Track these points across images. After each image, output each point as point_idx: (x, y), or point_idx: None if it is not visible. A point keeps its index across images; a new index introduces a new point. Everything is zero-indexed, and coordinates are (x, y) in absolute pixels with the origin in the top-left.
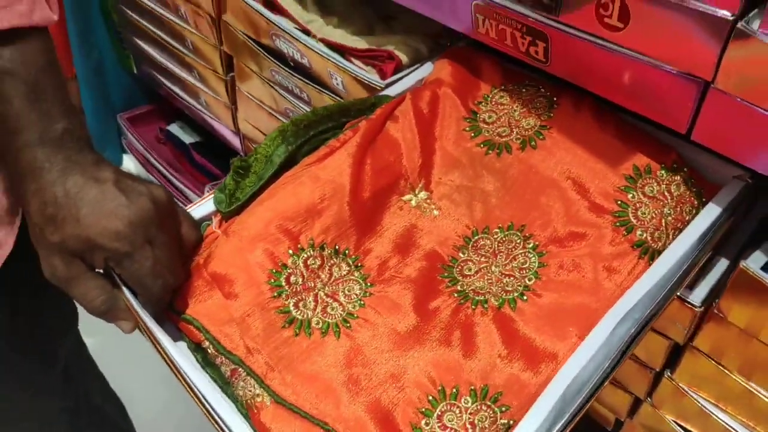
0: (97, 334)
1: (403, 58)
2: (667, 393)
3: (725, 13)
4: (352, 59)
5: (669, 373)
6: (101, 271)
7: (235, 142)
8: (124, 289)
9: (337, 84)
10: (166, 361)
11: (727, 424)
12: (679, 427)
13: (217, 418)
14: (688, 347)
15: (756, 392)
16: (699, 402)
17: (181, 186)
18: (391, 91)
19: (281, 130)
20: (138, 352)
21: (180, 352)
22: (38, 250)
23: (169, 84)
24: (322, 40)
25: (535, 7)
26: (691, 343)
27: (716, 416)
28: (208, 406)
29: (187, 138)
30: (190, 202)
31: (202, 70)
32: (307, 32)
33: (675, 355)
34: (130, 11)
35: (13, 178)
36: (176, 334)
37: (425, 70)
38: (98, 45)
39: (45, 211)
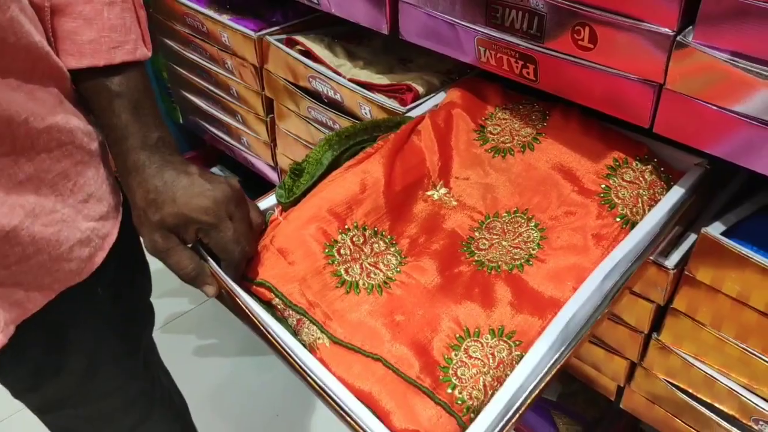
0: None
1: (420, 89)
2: (655, 353)
3: (667, 30)
4: (377, 93)
5: (656, 335)
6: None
7: (273, 176)
8: (210, 260)
9: (366, 113)
10: (247, 315)
11: (706, 373)
12: (669, 384)
13: (291, 354)
14: (669, 309)
15: (726, 341)
16: (682, 356)
17: None
18: (412, 114)
19: (327, 139)
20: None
21: (258, 305)
22: (141, 230)
23: (213, 129)
24: (351, 80)
25: (525, 37)
26: (670, 305)
27: (698, 368)
28: (284, 346)
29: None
30: None
31: (245, 114)
32: (338, 74)
33: (660, 318)
34: (180, 68)
35: (122, 174)
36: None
37: (439, 97)
38: None
39: (147, 197)
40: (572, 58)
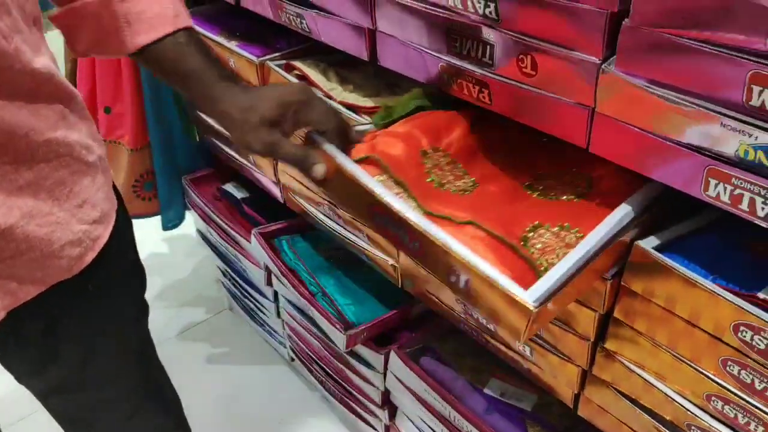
0: None
1: None
2: (601, 361)
3: (594, 59)
4: (363, 114)
5: (601, 343)
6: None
7: (276, 191)
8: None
9: None
10: (354, 188)
11: (645, 379)
12: (615, 390)
13: (395, 208)
14: (611, 318)
15: (660, 347)
16: (624, 363)
17: (233, 233)
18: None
19: (414, 92)
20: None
21: (367, 174)
22: (246, 137)
23: (225, 148)
24: (341, 102)
25: (480, 64)
26: (612, 314)
27: (638, 374)
28: (395, 209)
29: (240, 194)
30: (241, 248)
31: None
32: (330, 97)
33: (606, 327)
34: None
35: (209, 106)
36: None
37: None
38: (168, 119)
39: (242, 107)
40: (518, 84)
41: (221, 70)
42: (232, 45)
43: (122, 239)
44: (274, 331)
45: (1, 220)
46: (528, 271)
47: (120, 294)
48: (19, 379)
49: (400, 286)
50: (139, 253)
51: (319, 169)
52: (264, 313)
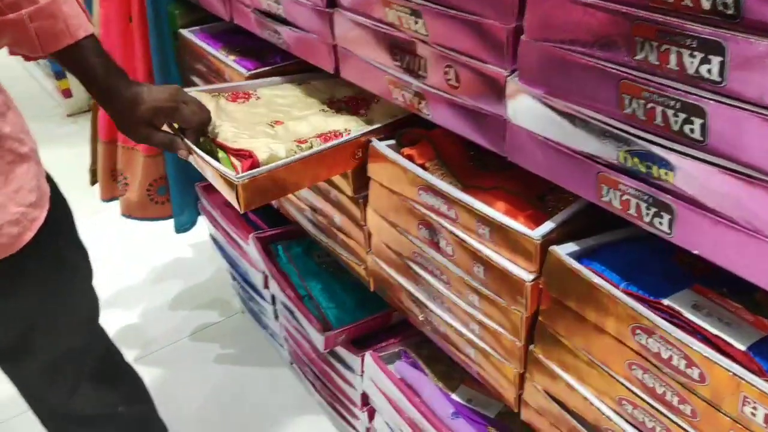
0: None
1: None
2: (533, 364)
3: (502, 71)
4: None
5: (532, 346)
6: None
7: None
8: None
9: None
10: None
11: (567, 383)
12: (546, 395)
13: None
14: (537, 321)
15: (576, 351)
16: (551, 367)
17: (236, 237)
18: None
19: None
20: None
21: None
22: (129, 128)
23: None
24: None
25: (417, 78)
26: (539, 317)
27: (562, 378)
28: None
29: None
30: (244, 251)
31: None
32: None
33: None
34: None
35: (102, 97)
36: None
37: None
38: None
39: (125, 104)
40: (447, 95)
41: (109, 67)
42: (230, 60)
43: (59, 222)
44: (275, 334)
45: None
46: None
47: (59, 270)
48: None
49: (372, 289)
50: (79, 236)
51: (183, 153)
52: (265, 316)
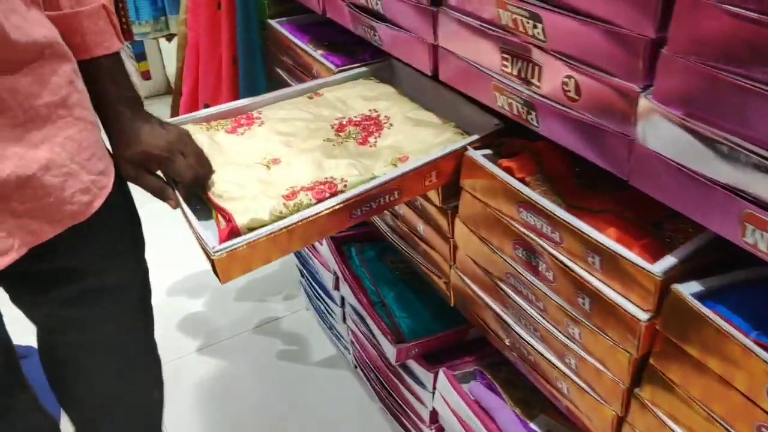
0: None
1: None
2: (636, 408)
3: (633, 86)
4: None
5: (637, 390)
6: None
7: None
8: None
9: None
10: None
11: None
12: None
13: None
14: (647, 364)
15: (694, 402)
16: (658, 414)
17: None
18: None
19: None
20: None
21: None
22: (118, 162)
23: None
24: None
25: (528, 86)
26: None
27: (670, 427)
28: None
29: None
30: (315, 250)
31: None
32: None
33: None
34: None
35: (105, 122)
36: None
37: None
38: None
39: (122, 139)
40: (562, 107)
41: (122, 92)
42: (317, 53)
43: (123, 191)
44: (341, 336)
45: (20, 171)
46: (659, 248)
47: (122, 240)
48: (28, 311)
49: (452, 304)
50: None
51: (171, 204)
52: (332, 317)
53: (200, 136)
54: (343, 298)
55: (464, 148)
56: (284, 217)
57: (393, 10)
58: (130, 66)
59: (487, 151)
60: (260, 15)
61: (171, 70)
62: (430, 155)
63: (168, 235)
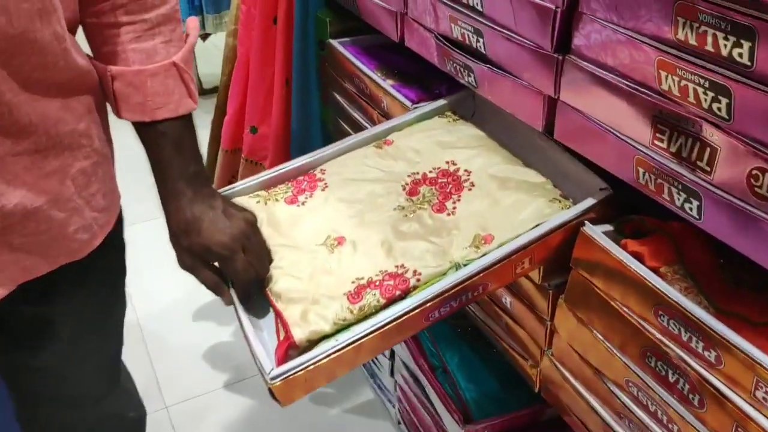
0: None
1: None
2: None
3: None
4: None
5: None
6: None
7: None
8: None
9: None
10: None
11: None
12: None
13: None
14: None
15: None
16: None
17: None
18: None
19: None
20: None
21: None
22: (174, 248)
23: None
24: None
25: (692, 168)
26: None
27: None
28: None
29: None
30: None
31: None
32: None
33: None
34: (344, 123)
35: (163, 198)
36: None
37: None
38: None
39: (179, 226)
40: (744, 204)
41: (186, 166)
42: (387, 84)
43: (120, 232)
44: (385, 387)
45: (28, 202)
46: None
47: (114, 281)
48: (10, 344)
49: (537, 390)
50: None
51: (225, 301)
52: (377, 367)
53: (257, 211)
54: (393, 352)
55: (579, 222)
56: (349, 325)
57: (499, 52)
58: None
59: (607, 227)
60: (319, 34)
61: (204, 70)
62: (519, 238)
63: None
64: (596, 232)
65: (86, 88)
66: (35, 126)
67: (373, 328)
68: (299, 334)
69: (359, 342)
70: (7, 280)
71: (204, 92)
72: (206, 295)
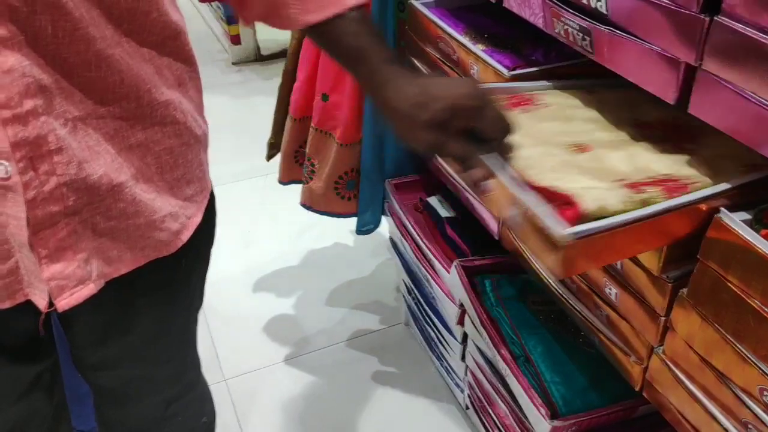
0: None
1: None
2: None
3: None
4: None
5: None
6: None
7: (493, 224)
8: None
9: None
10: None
11: None
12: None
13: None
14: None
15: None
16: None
17: (429, 254)
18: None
19: None
20: None
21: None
22: (411, 133)
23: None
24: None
25: None
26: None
27: None
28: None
29: (444, 212)
30: (437, 274)
31: None
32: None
33: None
34: None
35: (373, 89)
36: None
37: None
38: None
39: (412, 101)
40: None
41: (387, 51)
42: (478, 49)
43: (211, 226)
44: (453, 371)
45: (113, 175)
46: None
47: (197, 280)
48: (78, 349)
49: (637, 389)
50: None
51: (478, 173)
52: (446, 349)
53: None
54: (465, 335)
55: (711, 207)
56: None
57: (627, 12)
58: (219, 28)
59: (745, 215)
60: None
61: (262, 35)
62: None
63: (258, 221)
64: (734, 220)
65: (179, 54)
66: (127, 89)
67: (666, 208)
68: (587, 205)
69: (650, 220)
70: (94, 273)
71: (262, 58)
72: (266, 267)
